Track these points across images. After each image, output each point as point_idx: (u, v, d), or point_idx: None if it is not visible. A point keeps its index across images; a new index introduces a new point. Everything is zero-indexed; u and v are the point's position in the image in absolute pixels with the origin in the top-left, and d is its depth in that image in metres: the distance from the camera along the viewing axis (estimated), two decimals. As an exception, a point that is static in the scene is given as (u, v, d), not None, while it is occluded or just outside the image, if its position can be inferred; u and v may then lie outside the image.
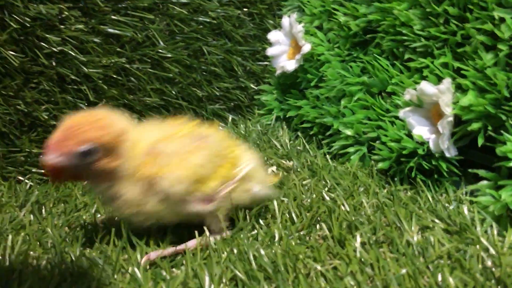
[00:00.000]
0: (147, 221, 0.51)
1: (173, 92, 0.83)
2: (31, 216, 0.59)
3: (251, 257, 0.48)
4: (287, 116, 0.83)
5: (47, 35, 0.68)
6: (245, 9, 0.91)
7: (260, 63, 0.94)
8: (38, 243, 0.52)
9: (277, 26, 0.94)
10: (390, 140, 0.64)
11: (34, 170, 0.69)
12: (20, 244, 0.52)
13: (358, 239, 0.51)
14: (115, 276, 0.47)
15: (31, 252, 0.50)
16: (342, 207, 0.58)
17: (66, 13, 0.69)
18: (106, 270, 0.48)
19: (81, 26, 0.71)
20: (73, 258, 0.49)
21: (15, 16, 0.65)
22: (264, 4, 0.93)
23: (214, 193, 0.52)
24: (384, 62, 0.68)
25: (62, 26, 0.69)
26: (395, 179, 0.64)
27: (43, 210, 0.61)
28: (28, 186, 0.67)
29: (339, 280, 0.45)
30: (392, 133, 0.65)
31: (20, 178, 0.68)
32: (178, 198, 0.50)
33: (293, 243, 0.51)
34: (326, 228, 0.54)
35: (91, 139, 0.46)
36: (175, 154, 0.50)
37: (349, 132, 0.72)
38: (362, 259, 0.48)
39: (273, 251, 0.50)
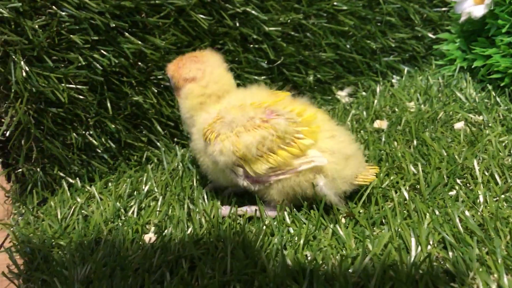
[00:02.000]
0: (209, 175, 0.54)
1: (347, 46, 0.81)
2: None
3: (457, 220, 0.46)
4: (472, 66, 0.77)
5: (231, -4, 0.70)
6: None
7: (438, 9, 0.88)
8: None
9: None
10: None
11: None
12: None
13: None
14: (317, 232, 0.49)
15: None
16: (552, 168, 0.53)
17: (248, -28, 0.71)
18: (308, 226, 0.49)
19: (261, -15, 0.71)
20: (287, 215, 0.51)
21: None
22: None
23: (262, 176, 0.49)
24: None
25: (244, -14, 0.71)
26: None
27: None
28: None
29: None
30: None
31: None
32: (223, 168, 0.50)
33: (500, 206, 0.48)
34: (535, 191, 0.49)
35: (170, 71, 0.55)
36: (230, 124, 0.49)
37: (551, 83, 0.65)
38: None
39: (480, 213, 0.47)
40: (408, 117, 0.70)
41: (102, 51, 0.63)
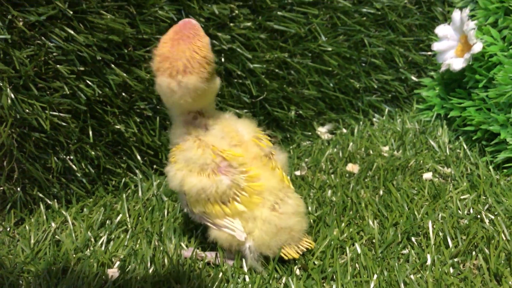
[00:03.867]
0: None
1: (331, 84, 0.83)
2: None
3: (401, 284, 0.49)
4: (448, 115, 0.79)
5: (218, 33, 0.72)
6: (412, -2, 0.87)
7: (423, 53, 0.90)
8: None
9: (446, 14, 0.89)
10: None
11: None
12: (189, 238, 0.58)
13: (518, 277, 0.49)
14: (270, 282, 0.51)
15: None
16: (502, 235, 0.55)
17: (236, 11, 0.73)
18: (262, 275, 0.52)
19: (249, 24, 0.74)
20: (233, 259, 0.54)
21: (191, 17, 0.70)
22: (433, -9, 0.88)
23: (196, 215, 0.53)
24: None
25: (232, 24, 0.73)
26: None
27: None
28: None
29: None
30: None
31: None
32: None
33: (446, 272, 0.51)
34: (482, 258, 0.52)
35: None
36: (187, 160, 0.52)
37: (517, 144, 0.67)
38: (520, 302, 0.46)
39: (425, 278, 0.50)
40: (379, 163, 0.73)
41: (87, 81, 0.65)
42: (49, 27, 0.62)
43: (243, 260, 0.53)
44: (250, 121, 0.56)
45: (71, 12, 0.62)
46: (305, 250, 0.53)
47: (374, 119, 0.88)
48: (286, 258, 0.52)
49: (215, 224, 0.52)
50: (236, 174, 0.51)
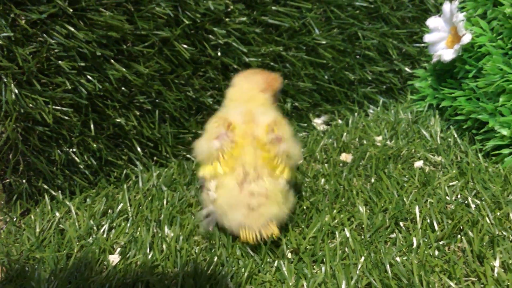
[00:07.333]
0: None
1: (326, 77, 0.85)
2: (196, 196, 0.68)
3: (387, 266, 0.51)
4: (440, 105, 0.81)
5: (214, 29, 0.74)
6: (405, -10, 0.89)
7: (417, 44, 0.92)
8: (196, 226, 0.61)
9: (439, 6, 0.91)
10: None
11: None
12: (187, 225, 0.61)
13: (498, 258, 0.51)
14: (263, 266, 0.54)
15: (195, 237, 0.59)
16: (487, 219, 0.57)
17: (232, 7, 0.75)
18: (255, 259, 0.54)
19: (244, 19, 0.76)
20: (225, 245, 0.56)
21: (187, 13, 0.72)
22: (425, -17, 0.90)
23: (199, 178, 0.60)
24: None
25: (227, 19, 0.75)
26: (551, 190, 0.61)
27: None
28: (194, 164, 0.76)
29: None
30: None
31: (188, 156, 0.77)
32: None
33: (431, 254, 0.53)
34: (466, 241, 0.54)
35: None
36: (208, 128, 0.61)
37: (505, 132, 0.69)
38: (500, 281, 0.48)
39: (410, 260, 0.52)
40: (372, 152, 0.75)
41: (88, 76, 0.68)
42: (50, 24, 0.64)
43: (236, 246, 0.56)
44: (276, 113, 0.62)
45: (71, 10, 0.64)
46: (265, 237, 0.54)
47: (370, 110, 0.90)
48: (242, 239, 0.55)
49: (205, 187, 0.58)
50: (226, 141, 0.57)
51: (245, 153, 0.56)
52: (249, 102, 0.60)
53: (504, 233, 0.55)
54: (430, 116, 0.83)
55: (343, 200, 0.65)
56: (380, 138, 0.80)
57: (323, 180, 0.69)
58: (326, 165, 0.74)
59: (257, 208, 0.54)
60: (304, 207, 0.63)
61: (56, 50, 0.65)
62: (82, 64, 0.67)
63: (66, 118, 0.68)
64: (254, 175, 0.55)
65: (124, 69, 0.70)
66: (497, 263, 0.50)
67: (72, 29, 0.65)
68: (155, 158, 0.76)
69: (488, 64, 0.72)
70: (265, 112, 0.60)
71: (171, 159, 0.77)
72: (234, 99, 0.62)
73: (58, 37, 0.65)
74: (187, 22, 0.72)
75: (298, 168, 0.74)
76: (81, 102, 0.68)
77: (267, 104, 0.62)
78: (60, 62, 0.66)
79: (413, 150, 0.75)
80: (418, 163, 0.72)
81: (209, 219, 0.58)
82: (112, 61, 0.69)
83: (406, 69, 0.91)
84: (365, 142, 0.79)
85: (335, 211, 0.62)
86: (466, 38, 0.74)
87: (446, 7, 0.79)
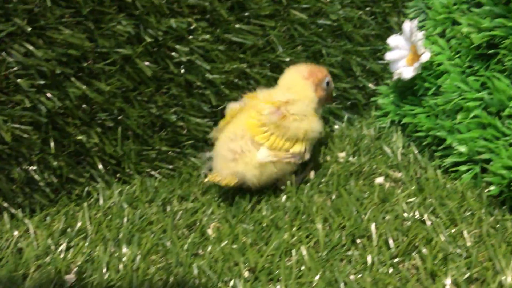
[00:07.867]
0: None
1: (291, 93, 0.86)
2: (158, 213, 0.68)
3: (341, 284, 0.52)
4: (401, 122, 0.82)
5: (176, 46, 0.75)
6: (367, 9, 0.90)
7: (381, 61, 0.93)
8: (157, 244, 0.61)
9: (401, 24, 0.92)
10: (502, 166, 0.62)
11: (163, 165, 0.78)
12: (145, 244, 0.61)
13: (450, 276, 0.52)
14: (219, 285, 0.54)
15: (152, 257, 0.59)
16: (442, 236, 0.58)
17: (194, 24, 0.76)
18: (211, 278, 0.54)
19: (207, 36, 0.77)
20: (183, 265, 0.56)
21: (149, 31, 0.72)
22: (388, 2, 0.92)
23: None
24: (503, 83, 0.65)
25: (190, 37, 0.76)
26: (505, 206, 0.63)
27: (168, 208, 0.70)
28: (157, 181, 0.76)
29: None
30: (504, 159, 0.62)
31: (152, 173, 0.77)
32: None
33: (385, 272, 0.54)
34: (419, 259, 0.55)
35: None
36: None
37: (462, 149, 0.70)
38: (450, 299, 0.49)
39: (364, 278, 0.53)
40: (334, 168, 0.76)
41: (48, 94, 0.68)
42: (9, 43, 0.64)
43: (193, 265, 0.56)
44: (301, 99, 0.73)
45: (30, 29, 0.64)
46: (222, 184, 0.67)
47: (336, 126, 0.91)
48: (209, 178, 0.68)
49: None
50: (236, 105, 0.73)
51: (242, 118, 0.70)
52: (290, 88, 0.72)
53: (458, 250, 0.56)
54: (392, 132, 0.84)
55: (303, 217, 0.65)
56: (343, 154, 0.81)
57: (284, 197, 0.70)
58: (288, 182, 0.74)
59: (229, 162, 0.67)
60: (264, 225, 0.64)
61: (15, 68, 0.65)
62: (42, 82, 0.67)
63: (25, 136, 0.67)
64: (239, 136, 0.68)
65: (84, 87, 0.69)
66: (448, 280, 0.51)
67: (31, 47, 0.65)
68: (118, 175, 0.76)
69: (446, 82, 0.74)
70: (287, 96, 0.71)
71: (135, 176, 0.76)
72: (279, 85, 0.74)
73: (17, 55, 0.64)
74: (148, 39, 0.72)
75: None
76: (41, 120, 0.68)
77: (307, 91, 0.73)
78: (19, 80, 0.65)
79: (374, 166, 0.76)
80: (379, 179, 0.73)
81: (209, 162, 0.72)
82: (73, 78, 0.69)
83: (370, 85, 0.93)
84: (328, 158, 0.80)
85: (294, 228, 0.63)
86: (425, 57, 0.76)
87: (406, 25, 0.80)
